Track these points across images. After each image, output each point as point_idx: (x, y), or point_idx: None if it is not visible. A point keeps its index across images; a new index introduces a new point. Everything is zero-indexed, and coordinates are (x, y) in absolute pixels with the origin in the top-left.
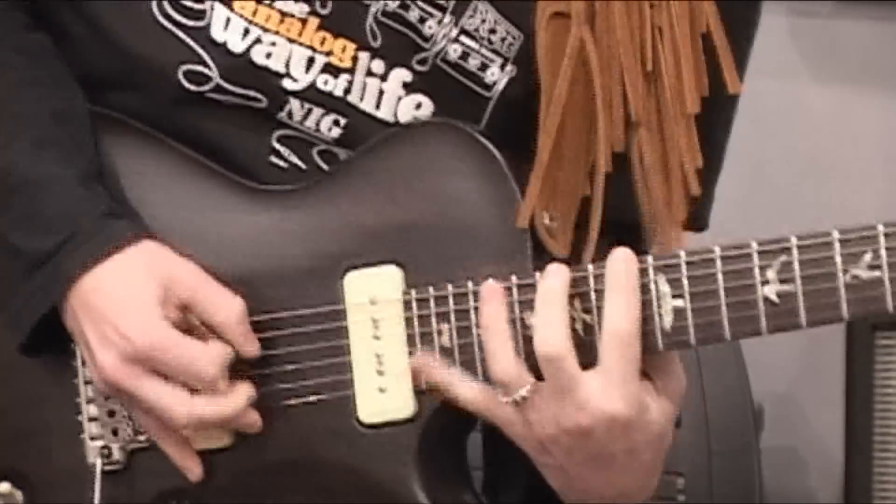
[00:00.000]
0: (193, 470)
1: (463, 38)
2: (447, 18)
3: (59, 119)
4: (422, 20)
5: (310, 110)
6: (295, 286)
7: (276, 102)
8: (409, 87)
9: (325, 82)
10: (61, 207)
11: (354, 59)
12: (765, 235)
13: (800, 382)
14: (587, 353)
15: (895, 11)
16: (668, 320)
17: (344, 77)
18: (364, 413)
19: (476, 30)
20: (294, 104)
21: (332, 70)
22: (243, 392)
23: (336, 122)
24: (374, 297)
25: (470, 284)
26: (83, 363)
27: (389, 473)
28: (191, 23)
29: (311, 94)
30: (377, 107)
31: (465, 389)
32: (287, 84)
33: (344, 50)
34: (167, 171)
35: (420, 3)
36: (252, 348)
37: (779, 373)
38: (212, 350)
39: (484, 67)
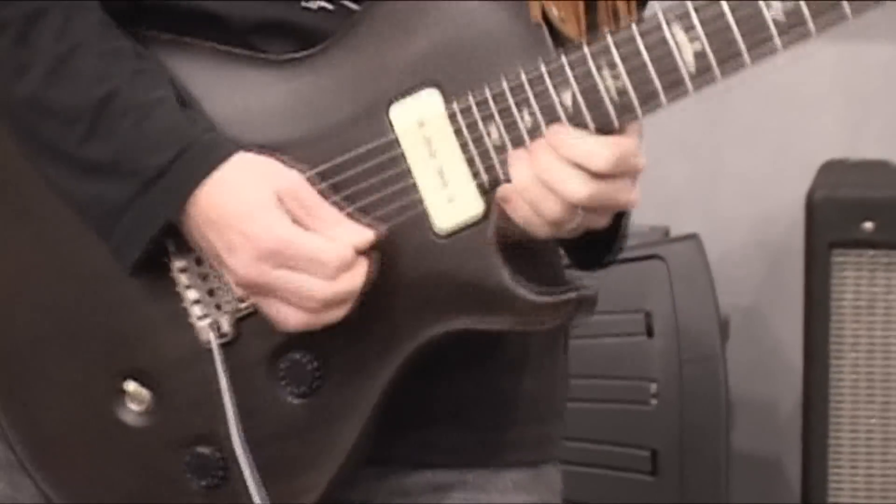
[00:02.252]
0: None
1: None
2: None
3: (140, 53)
4: None
5: None
6: (346, 134)
7: None
8: None
9: None
10: (169, 126)
11: None
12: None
13: (762, 296)
14: (627, 112)
15: None
16: (691, 63)
17: None
18: (439, 223)
19: None
20: None
21: None
22: (362, 267)
23: None
24: (420, 119)
25: (504, 83)
26: (173, 252)
27: (476, 269)
28: None
29: None
30: None
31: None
32: None
33: None
34: (205, 73)
35: None
36: (366, 237)
37: (743, 288)
38: (332, 243)
39: None
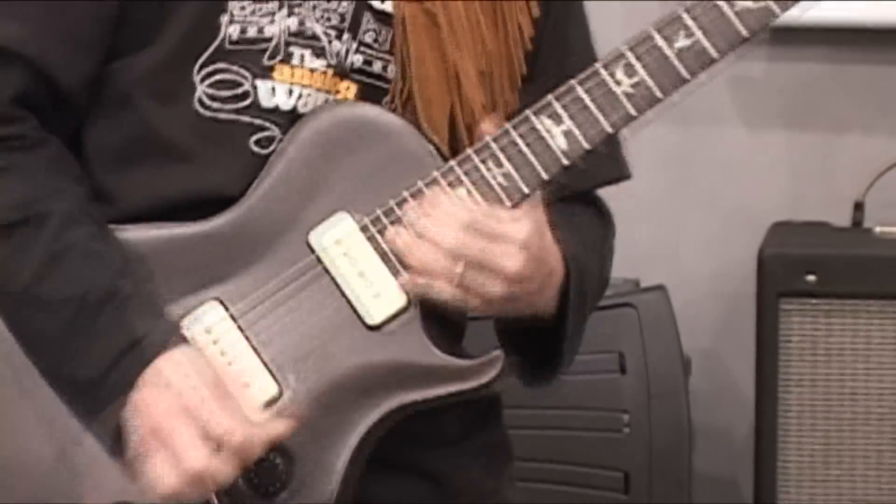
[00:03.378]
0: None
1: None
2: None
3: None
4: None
5: None
6: (270, 264)
7: None
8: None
9: None
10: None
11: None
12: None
13: (720, 339)
14: (515, 194)
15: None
16: (562, 142)
17: None
18: (369, 319)
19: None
20: None
21: None
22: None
23: None
24: (337, 238)
25: (405, 192)
26: None
27: (409, 350)
28: (239, 104)
29: None
30: None
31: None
32: None
33: (348, 88)
34: (149, 251)
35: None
36: (279, 430)
37: (703, 332)
38: (244, 430)
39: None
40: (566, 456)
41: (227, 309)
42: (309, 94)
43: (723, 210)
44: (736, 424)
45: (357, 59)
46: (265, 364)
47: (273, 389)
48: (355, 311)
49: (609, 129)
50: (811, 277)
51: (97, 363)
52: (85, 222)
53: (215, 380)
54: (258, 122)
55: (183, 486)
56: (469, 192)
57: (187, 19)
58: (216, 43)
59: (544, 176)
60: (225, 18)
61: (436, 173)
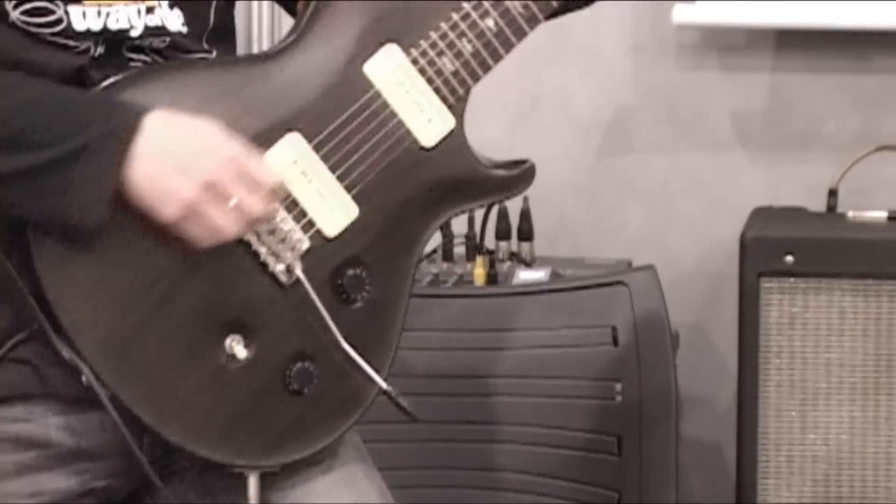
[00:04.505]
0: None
1: None
2: None
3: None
4: None
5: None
6: (334, 100)
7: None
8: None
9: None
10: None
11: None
12: None
13: (705, 314)
14: (533, 21)
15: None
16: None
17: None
18: (424, 141)
19: None
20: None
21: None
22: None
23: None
24: (392, 70)
25: (443, 25)
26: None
27: (462, 166)
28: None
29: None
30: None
31: None
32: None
33: None
34: (201, 86)
35: None
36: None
37: (690, 307)
38: (268, 169)
39: None
40: (564, 422)
41: (308, 141)
42: (118, 11)
43: (708, 196)
44: (720, 393)
45: None
46: (346, 189)
47: (354, 209)
48: (413, 135)
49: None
50: (789, 258)
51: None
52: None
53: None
54: (72, 43)
55: (245, 228)
56: (496, 20)
57: None
58: None
59: (553, 2)
60: None
61: (466, 5)
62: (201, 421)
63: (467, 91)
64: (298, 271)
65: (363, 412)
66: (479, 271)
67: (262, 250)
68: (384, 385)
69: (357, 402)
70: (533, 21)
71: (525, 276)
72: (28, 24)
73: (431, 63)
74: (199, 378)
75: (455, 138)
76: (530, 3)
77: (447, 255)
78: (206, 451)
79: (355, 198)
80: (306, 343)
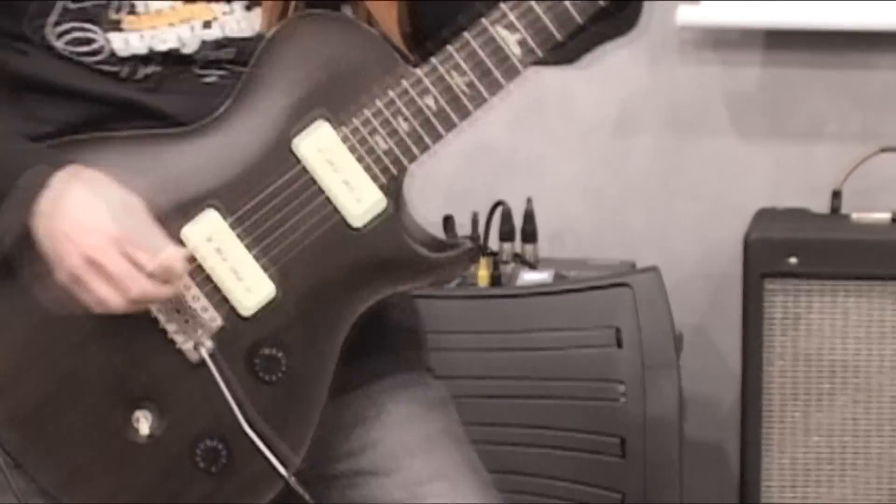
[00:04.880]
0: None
1: None
2: None
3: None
4: None
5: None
6: (258, 174)
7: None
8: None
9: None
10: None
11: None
12: None
13: (709, 316)
14: (477, 100)
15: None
16: (517, 51)
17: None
18: (353, 219)
19: None
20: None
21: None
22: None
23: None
24: (320, 147)
25: (378, 102)
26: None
27: (392, 248)
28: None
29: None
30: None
31: None
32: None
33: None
34: (129, 158)
35: None
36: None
37: (694, 308)
38: (167, 247)
39: None
40: (568, 423)
41: (224, 218)
42: (164, 32)
43: (711, 197)
44: (723, 394)
45: None
46: (263, 268)
47: (270, 289)
48: (340, 214)
49: (559, 38)
50: (793, 259)
51: None
52: None
53: (124, 205)
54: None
55: (128, 307)
56: (436, 100)
57: None
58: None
59: (504, 84)
60: None
61: (405, 83)
62: (108, 495)
63: (401, 170)
64: (203, 351)
65: (277, 492)
66: (482, 273)
67: (171, 327)
68: (283, 471)
69: (270, 482)
70: (477, 100)
71: (529, 277)
72: (73, 53)
73: (363, 141)
74: (106, 451)
75: (388, 218)
76: (475, 81)
77: None
78: None
79: (274, 276)
80: (215, 421)
